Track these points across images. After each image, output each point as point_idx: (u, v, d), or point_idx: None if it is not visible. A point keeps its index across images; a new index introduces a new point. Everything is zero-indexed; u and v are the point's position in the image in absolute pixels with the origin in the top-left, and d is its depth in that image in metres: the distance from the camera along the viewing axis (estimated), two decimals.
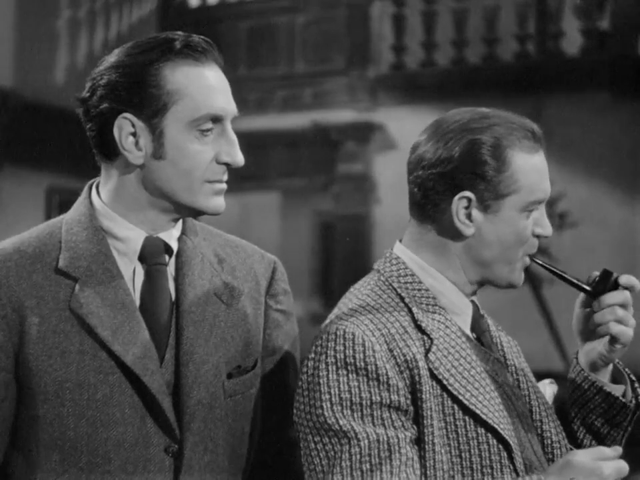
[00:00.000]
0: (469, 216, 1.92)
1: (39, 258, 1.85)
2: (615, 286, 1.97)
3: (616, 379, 2.06)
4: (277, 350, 2.01)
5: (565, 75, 9.25)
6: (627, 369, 2.08)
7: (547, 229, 1.96)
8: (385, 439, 1.80)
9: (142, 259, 1.89)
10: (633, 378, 2.09)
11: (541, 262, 2.00)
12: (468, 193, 1.91)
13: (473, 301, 2.01)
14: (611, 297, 1.97)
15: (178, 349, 1.87)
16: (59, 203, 9.24)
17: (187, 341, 1.87)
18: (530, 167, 1.92)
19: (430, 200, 1.94)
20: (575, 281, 2.00)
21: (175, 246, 1.92)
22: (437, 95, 9.16)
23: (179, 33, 1.88)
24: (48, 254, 1.85)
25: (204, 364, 1.88)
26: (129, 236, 1.88)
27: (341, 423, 1.80)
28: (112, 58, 1.87)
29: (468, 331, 1.98)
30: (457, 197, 1.91)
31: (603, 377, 2.05)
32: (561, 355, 8.78)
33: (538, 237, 1.96)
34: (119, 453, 1.81)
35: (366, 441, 1.79)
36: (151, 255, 1.89)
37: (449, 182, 1.92)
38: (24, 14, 9.29)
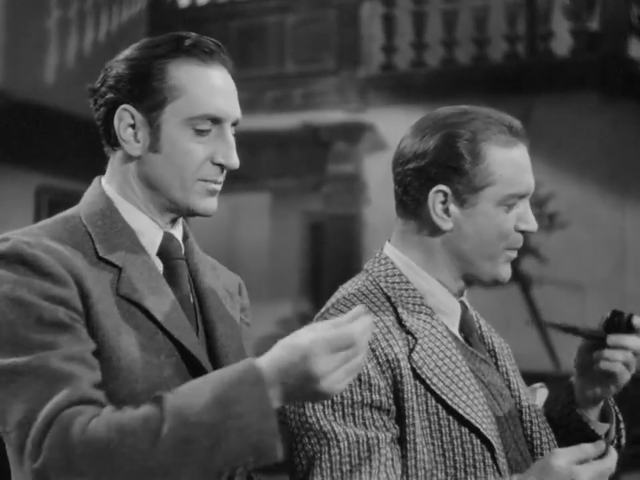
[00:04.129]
0: (446, 210, 1.92)
1: (76, 247, 1.82)
2: (628, 326, 1.95)
3: (604, 416, 2.05)
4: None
5: (554, 75, 9.26)
6: (616, 407, 2.06)
7: (531, 224, 1.95)
8: (365, 439, 1.80)
9: (160, 253, 1.90)
10: (620, 418, 2.07)
11: (552, 323, 1.98)
12: (443, 187, 1.91)
13: (461, 301, 2.01)
14: (628, 340, 1.94)
15: (211, 342, 1.89)
16: (49, 202, 9.22)
17: (222, 335, 1.91)
18: (506, 160, 1.92)
19: (409, 195, 1.95)
20: (588, 332, 1.97)
21: (182, 245, 1.95)
22: (427, 95, 9.17)
23: (191, 33, 1.90)
24: (82, 245, 1.83)
25: (239, 356, 1.90)
26: (149, 230, 1.89)
27: (321, 423, 1.81)
28: (127, 51, 1.90)
29: (456, 331, 1.98)
30: (432, 191, 1.92)
31: (593, 412, 2.04)
32: (549, 355, 8.79)
33: (523, 232, 1.95)
34: None
35: (345, 442, 1.80)
36: (171, 249, 1.91)
37: (425, 176, 1.92)
38: (14, 13, 9.28)
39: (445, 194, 1.92)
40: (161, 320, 1.82)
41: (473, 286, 2.00)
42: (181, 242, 1.94)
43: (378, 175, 9.47)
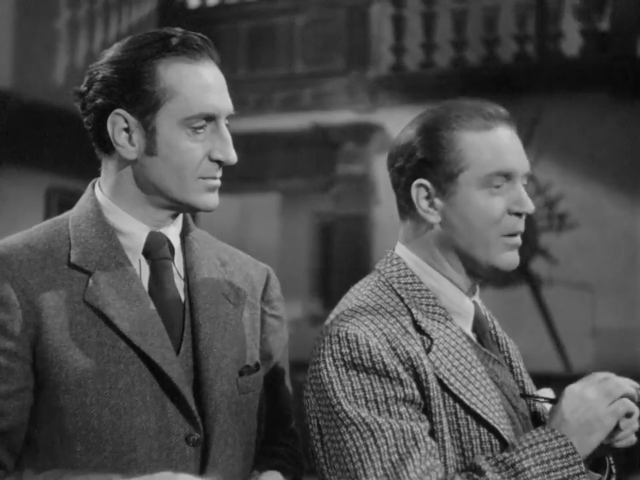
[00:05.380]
0: (432, 204, 1.92)
1: (49, 254, 1.85)
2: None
3: (598, 464, 1.98)
4: (272, 354, 2.03)
5: (564, 75, 9.24)
6: (611, 458, 2.01)
7: (525, 205, 1.91)
8: (409, 428, 1.79)
9: (146, 253, 1.90)
10: (614, 470, 2.02)
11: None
12: (423, 181, 1.91)
13: (474, 302, 2.00)
14: (635, 409, 1.89)
15: (195, 343, 1.89)
16: (58, 203, 9.23)
17: (205, 336, 1.89)
18: (480, 142, 1.89)
19: (399, 194, 1.96)
20: None
21: (175, 242, 1.94)
22: (437, 96, 9.10)
23: (176, 29, 1.88)
24: (57, 250, 1.86)
25: (223, 358, 1.90)
26: (133, 230, 1.89)
27: (363, 415, 1.79)
28: (110, 52, 1.88)
29: (469, 331, 1.97)
30: (413, 186, 1.92)
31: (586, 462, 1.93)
32: (559, 356, 8.78)
33: (517, 214, 1.92)
34: (143, 440, 1.81)
35: (390, 431, 1.79)
36: (156, 249, 1.90)
37: (405, 174, 1.93)
38: (23, 14, 9.29)
39: (426, 187, 1.91)
40: (123, 326, 1.82)
41: (481, 279, 1.98)
42: (172, 240, 1.93)
43: (387, 175, 9.46)
